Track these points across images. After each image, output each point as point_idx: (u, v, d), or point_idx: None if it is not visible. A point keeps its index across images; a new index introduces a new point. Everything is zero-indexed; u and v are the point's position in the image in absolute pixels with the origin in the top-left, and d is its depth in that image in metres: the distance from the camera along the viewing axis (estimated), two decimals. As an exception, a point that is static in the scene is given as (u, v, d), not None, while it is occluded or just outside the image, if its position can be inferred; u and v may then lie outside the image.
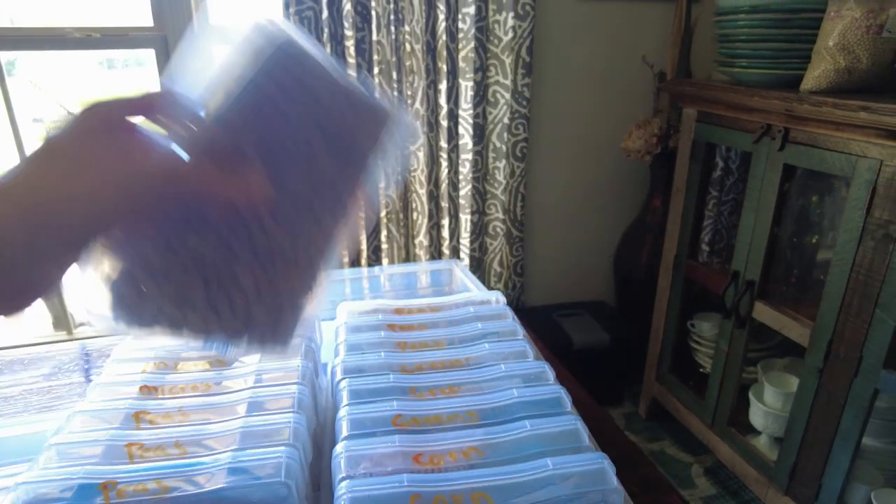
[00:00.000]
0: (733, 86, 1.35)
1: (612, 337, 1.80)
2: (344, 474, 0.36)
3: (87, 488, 0.34)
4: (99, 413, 0.42)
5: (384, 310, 0.57)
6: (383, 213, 1.65)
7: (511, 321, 0.55)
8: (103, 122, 0.28)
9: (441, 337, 0.53)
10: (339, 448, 0.38)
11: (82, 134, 0.27)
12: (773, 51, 1.28)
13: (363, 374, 0.46)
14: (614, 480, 0.36)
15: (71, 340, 1.86)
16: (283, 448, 0.37)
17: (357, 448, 0.38)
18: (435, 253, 1.73)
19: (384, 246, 1.68)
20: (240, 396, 0.43)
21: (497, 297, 0.60)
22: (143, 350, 0.50)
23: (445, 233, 1.71)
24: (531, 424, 0.40)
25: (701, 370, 1.69)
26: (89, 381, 0.73)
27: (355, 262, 1.66)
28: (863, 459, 1.28)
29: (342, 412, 0.42)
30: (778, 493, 1.35)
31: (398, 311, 0.58)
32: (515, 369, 0.47)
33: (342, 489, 0.35)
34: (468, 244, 1.74)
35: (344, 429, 0.40)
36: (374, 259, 1.68)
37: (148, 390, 0.45)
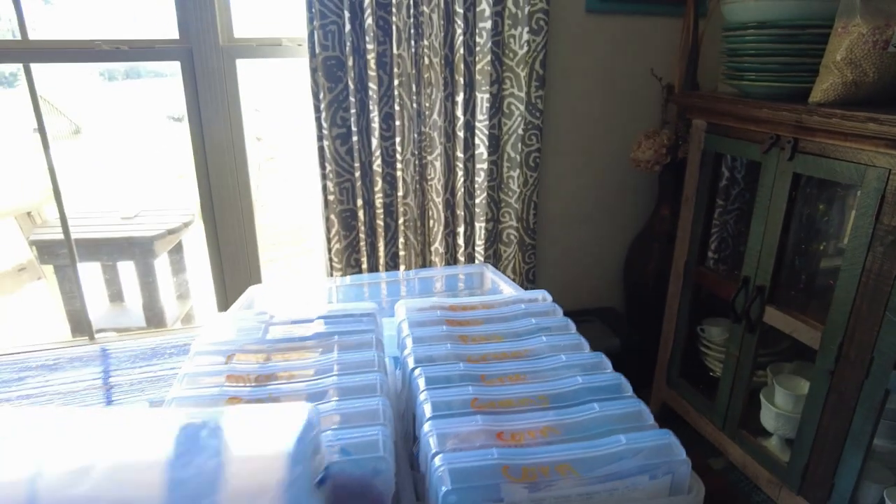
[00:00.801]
0: (742, 98, 1.40)
1: (623, 342, 1.83)
2: (435, 450, 0.40)
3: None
4: (195, 399, 0.46)
5: (440, 306, 0.61)
6: (401, 221, 1.69)
7: (563, 317, 0.59)
8: None
9: (497, 331, 0.57)
10: (427, 427, 0.42)
11: None
12: (781, 65, 1.33)
13: (434, 364, 0.50)
14: (682, 453, 0.40)
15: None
16: (378, 427, 0.41)
17: (443, 427, 0.42)
18: (450, 259, 1.77)
19: (402, 253, 1.72)
20: (326, 382, 0.47)
21: (544, 296, 0.64)
22: (221, 344, 0.54)
23: (461, 240, 1.75)
24: (599, 406, 0.44)
25: (711, 374, 1.73)
26: (106, 379, 0.77)
27: (374, 269, 1.70)
28: (874, 460, 1.32)
29: (423, 396, 0.45)
30: (790, 494, 1.38)
31: (453, 307, 0.61)
32: (575, 359, 0.51)
33: (438, 462, 0.38)
34: (483, 251, 1.78)
35: (427, 410, 0.44)
36: (392, 265, 1.72)
37: (235, 379, 0.48)
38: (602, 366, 0.50)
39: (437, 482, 0.37)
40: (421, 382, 0.48)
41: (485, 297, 0.63)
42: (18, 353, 0.90)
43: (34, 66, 1.55)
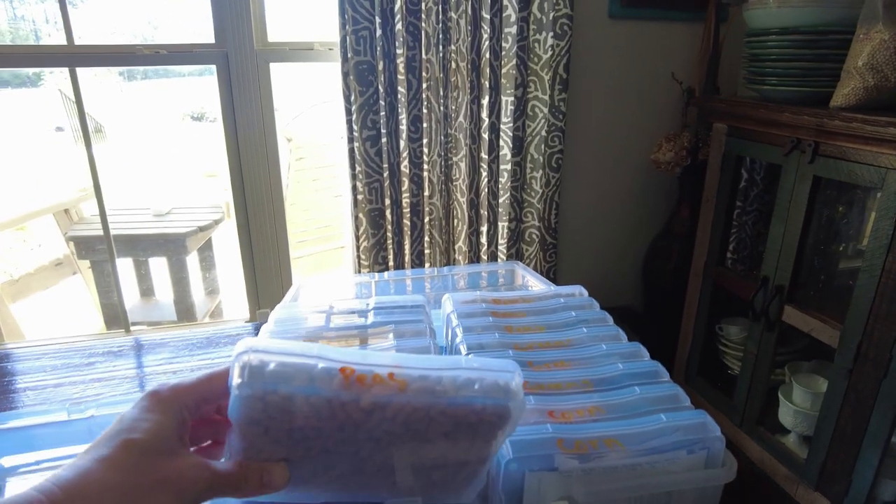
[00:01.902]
0: (763, 102, 1.43)
1: (642, 341, 1.86)
2: (494, 425, 0.45)
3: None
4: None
5: (484, 300, 0.66)
6: (427, 220, 1.75)
7: (600, 310, 0.63)
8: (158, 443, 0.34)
9: (540, 323, 0.61)
10: (485, 406, 0.47)
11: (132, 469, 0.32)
12: (803, 70, 1.36)
13: (485, 350, 0.55)
14: (717, 430, 0.44)
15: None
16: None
17: (500, 406, 0.46)
18: (473, 258, 1.81)
19: (427, 251, 1.77)
20: (389, 366, 0.52)
21: (580, 291, 0.68)
22: (291, 332, 0.59)
23: (484, 239, 1.80)
24: (640, 390, 0.48)
25: (729, 372, 1.76)
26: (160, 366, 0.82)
27: (399, 267, 1.75)
28: (892, 457, 1.34)
29: (478, 379, 0.50)
30: (808, 490, 1.41)
31: (496, 300, 0.66)
32: (614, 349, 0.55)
33: (498, 436, 0.43)
34: (505, 250, 1.83)
35: (484, 392, 0.49)
36: (418, 263, 1.77)
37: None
38: (640, 354, 0.55)
39: (499, 452, 0.42)
40: (474, 367, 0.52)
41: (524, 291, 0.67)
42: (73, 340, 0.96)
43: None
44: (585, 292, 0.68)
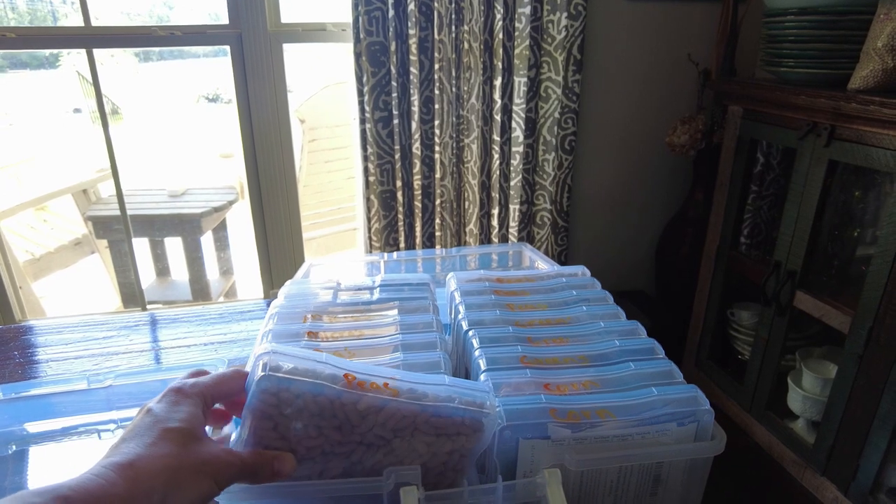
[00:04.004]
0: (780, 85, 1.41)
1: (653, 325, 1.87)
2: (491, 396, 0.46)
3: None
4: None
5: (488, 278, 0.67)
6: (438, 202, 1.75)
7: (601, 290, 0.64)
8: (182, 437, 0.37)
9: (542, 301, 0.62)
10: (483, 377, 0.48)
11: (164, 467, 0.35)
12: (820, 51, 1.34)
13: (486, 326, 0.56)
14: (707, 404, 0.45)
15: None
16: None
17: (497, 378, 0.48)
18: (484, 240, 1.82)
19: (437, 233, 1.79)
20: (391, 340, 0.54)
21: (583, 271, 0.69)
22: (298, 306, 0.61)
23: (495, 221, 1.81)
24: (635, 365, 0.49)
25: (739, 357, 1.76)
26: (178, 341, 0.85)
27: (410, 248, 1.77)
28: (899, 442, 1.34)
29: (477, 353, 0.51)
30: (815, 474, 1.41)
31: (499, 279, 0.67)
32: (613, 326, 0.56)
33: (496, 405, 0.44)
34: (516, 233, 1.83)
35: (482, 364, 0.50)
36: (428, 245, 1.79)
37: (314, 335, 0.55)
38: (637, 332, 0.56)
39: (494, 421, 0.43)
40: (475, 342, 0.54)
41: (528, 271, 0.68)
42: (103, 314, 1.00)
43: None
44: (588, 272, 0.69)
